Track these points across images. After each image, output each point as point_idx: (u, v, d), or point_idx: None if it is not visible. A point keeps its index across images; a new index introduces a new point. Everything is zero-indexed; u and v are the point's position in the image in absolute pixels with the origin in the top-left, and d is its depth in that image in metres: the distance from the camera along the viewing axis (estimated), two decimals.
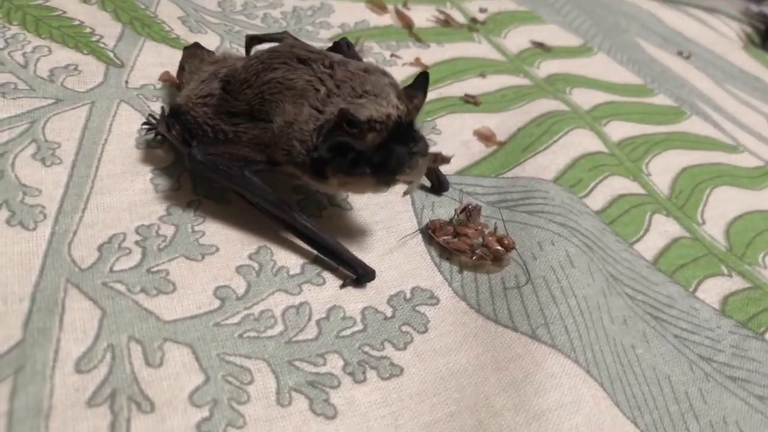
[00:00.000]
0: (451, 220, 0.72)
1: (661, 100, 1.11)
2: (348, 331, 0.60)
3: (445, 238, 0.70)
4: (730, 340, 0.71)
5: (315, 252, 0.65)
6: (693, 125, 1.07)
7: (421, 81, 0.61)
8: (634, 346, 0.67)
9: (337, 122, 0.57)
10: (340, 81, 0.60)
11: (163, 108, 0.72)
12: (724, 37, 1.45)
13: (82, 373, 0.51)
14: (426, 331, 0.62)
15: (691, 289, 0.76)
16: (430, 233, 0.71)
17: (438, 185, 0.77)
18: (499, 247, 0.70)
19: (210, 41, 0.87)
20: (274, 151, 0.61)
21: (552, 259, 0.70)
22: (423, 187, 0.77)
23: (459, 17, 1.16)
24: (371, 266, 0.64)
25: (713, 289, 0.77)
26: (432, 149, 0.60)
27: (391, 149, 0.57)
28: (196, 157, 0.62)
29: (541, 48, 1.14)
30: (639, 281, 0.74)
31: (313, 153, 0.59)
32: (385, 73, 0.62)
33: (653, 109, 1.08)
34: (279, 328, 0.58)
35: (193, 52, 0.76)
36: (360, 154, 0.58)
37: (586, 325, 0.64)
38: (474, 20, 1.16)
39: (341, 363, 0.57)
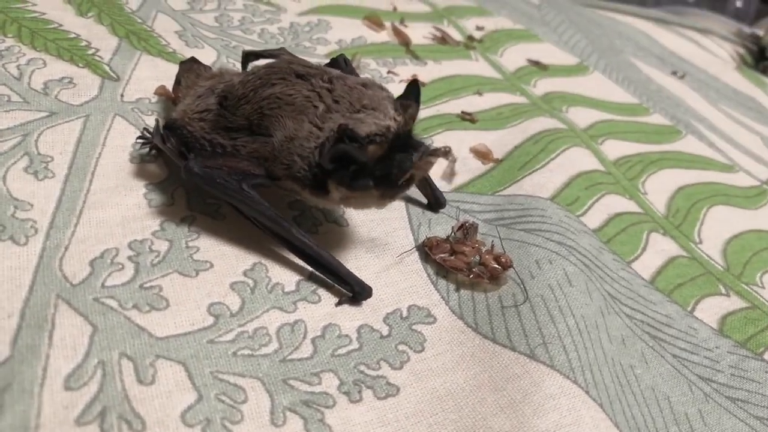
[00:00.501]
0: (447, 237, 0.72)
1: (656, 119, 1.11)
2: (343, 350, 0.59)
3: (442, 255, 0.70)
4: (729, 361, 0.70)
5: (311, 269, 0.64)
6: (688, 144, 1.07)
7: (413, 89, 0.61)
8: (632, 366, 0.66)
9: (337, 138, 0.57)
10: (339, 96, 0.60)
11: (157, 120, 0.71)
12: (717, 57, 1.46)
13: (71, 391, 0.49)
14: (423, 350, 0.61)
15: (689, 309, 0.75)
16: (426, 251, 0.70)
17: (435, 202, 0.76)
18: (497, 266, 0.69)
19: (207, 56, 0.87)
20: (274, 165, 0.60)
21: (550, 277, 0.69)
22: (419, 204, 0.76)
23: (456, 35, 1.16)
24: (368, 283, 0.63)
25: (711, 309, 0.76)
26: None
27: (392, 158, 0.57)
28: (193, 169, 0.61)
29: (538, 66, 1.14)
30: (637, 300, 0.74)
31: (314, 168, 0.58)
32: (382, 87, 0.62)
33: (649, 128, 1.08)
34: (273, 346, 0.57)
35: (190, 67, 0.76)
36: (362, 167, 0.57)
37: (585, 345, 0.63)
38: (471, 38, 1.17)
39: (336, 382, 0.56)
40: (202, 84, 0.69)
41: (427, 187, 0.75)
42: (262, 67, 0.66)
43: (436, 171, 0.66)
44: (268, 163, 0.61)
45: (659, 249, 0.83)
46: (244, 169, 0.61)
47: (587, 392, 0.59)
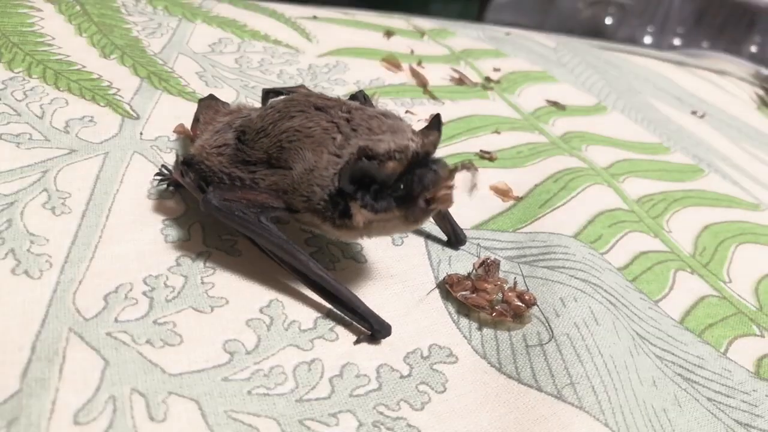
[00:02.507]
0: (468, 274, 0.70)
1: (678, 158, 1.10)
2: (362, 390, 0.57)
3: (464, 293, 0.68)
4: None
5: (328, 306, 0.62)
6: (711, 183, 1.05)
7: (435, 121, 0.60)
8: (665, 409, 0.63)
9: (356, 159, 0.56)
10: (357, 125, 0.59)
11: (177, 155, 0.71)
12: (736, 97, 1.45)
13: (80, 425, 0.48)
14: (444, 390, 0.59)
15: (722, 350, 0.72)
16: (447, 288, 0.68)
17: (455, 239, 0.75)
18: (520, 303, 0.67)
19: (226, 95, 0.87)
20: (293, 197, 0.59)
21: (575, 315, 0.67)
22: (439, 241, 0.75)
23: (473, 76, 1.17)
24: (387, 321, 0.61)
25: (745, 350, 0.73)
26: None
27: (413, 174, 0.56)
28: (211, 202, 0.60)
29: (556, 106, 1.14)
30: (666, 341, 0.71)
31: (335, 197, 0.57)
32: (401, 118, 0.61)
33: (671, 167, 1.06)
34: (290, 385, 0.55)
35: (208, 104, 0.76)
36: (383, 186, 0.56)
37: (615, 386, 0.61)
38: (488, 79, 1.17)
39: (355, 423, 0.54)
40: (220, 120, 0.70)
41: (447, 223, 0.74)
42: (280, 101, 0.66)
43: (455, 208, 0.65)
44: (288, 196, 0.60)
45: (687, 288, 0.80)
46: (263, 202, 0.60)
47: None
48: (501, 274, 0.70)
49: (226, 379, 0.54)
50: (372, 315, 0.61)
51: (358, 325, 0.61)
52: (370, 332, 0.61)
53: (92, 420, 0.48)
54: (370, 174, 0.55)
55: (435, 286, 0.69)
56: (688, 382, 0.67)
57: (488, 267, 0.70)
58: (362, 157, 0.56)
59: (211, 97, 0.79)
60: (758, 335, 0.75)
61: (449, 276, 0.69)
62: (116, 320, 0.56)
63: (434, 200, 0.57)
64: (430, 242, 0.75)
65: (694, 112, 1.29)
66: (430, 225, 0.75)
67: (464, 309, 0.67)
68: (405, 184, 0.56)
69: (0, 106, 0.76)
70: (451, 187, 0.57)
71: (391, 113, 0.61)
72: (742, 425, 0.64)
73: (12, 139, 0.72)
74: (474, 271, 0.70)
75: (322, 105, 0.62)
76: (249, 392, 0.53)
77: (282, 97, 0.71)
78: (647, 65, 1.47)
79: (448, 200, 0.58)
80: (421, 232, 0.75)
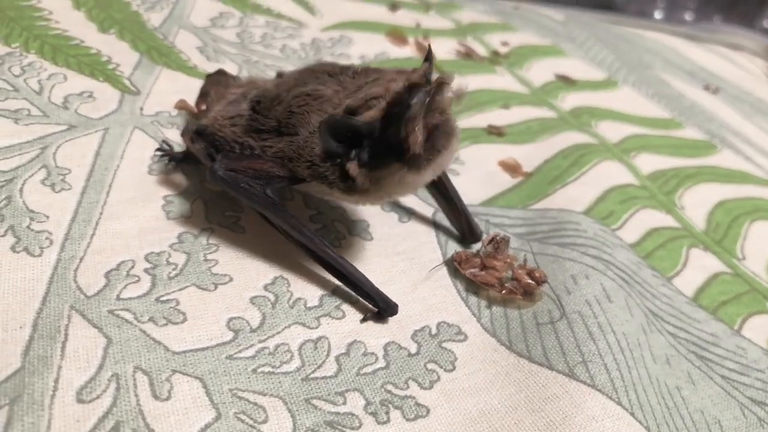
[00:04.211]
0: (477, 252, 0.68)
1: (690, 133, 1.07)
2: (370, 368, 0.55)
3: (472, 270, 0.66)
4: None
5: (334, 283, 0.61)
6: (725, 159, 1.03)
7: (427, 54, 0.55)
8: (679, 387, 0.61)
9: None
10: (357, 85, 0.57)
11: (187, 120, 0.70)
12: (749, 73, 1.42)
13: (83, 403, 0.47)
14: (453, 369, 0.57)
15: (735, 327, 0.71)
16: (456, 265, 0.67)
17: (469, 234, 0.70)
18: (530, 281, 0.65)
19: (228, 70, 0.85)
20: (298, 164, 0.57)
21: (587, 293, 0.65)
22: (453, 236, 0.72)
23: (480, 50, 1.14)
24: (394, 300, 0.60)
25: (760, 328, 0.71)
26: (455, 180, 0.54)
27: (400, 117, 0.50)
28: (217, 173, 0.59)
29: (566, 81, 1.11)
30: (680, 318, 0.69)
31: (327, 151, 0.54)
32: (403, 70, 0.57)
33: (683, 143, 1.04)
34: (296, 363, 0.54)
35: (218, 79, 0.75)
36: (374, 140, 0.52)
37: (627, 364, 0.59)
38: (496, 53, 1.14)
39: (363, 402, 0.53)
40: (233, 92, 0.68)
41: (462, 217, 0.70)
42: (296, 70, 0.64)
43: (462, 183, 0.63)
44: (293, 164, 0.57)
45: (700, 265, 0.78)
46: (269, 171, 0.58)
47: (632, 414, 0.55)
48: (511, 251, 0.69)
49: (231, 357, 0.53)
50: (378, 293, 0.59)
51: (365, 303, 0.60)
52: (376, 310, 0.60)
53: (95, 398, 0.47)
54: (346, 127, 0.52)
55: (442, 262, 0.67)
56: (701, 359, 0.65)
57: (497, 244, 0.68)
58: (346, 114, 0.53)
59: (221, 72, 0.77)
60: None
61: (457, 253, 0.67)
62: (118, 298, 0.55)
63: (436, 148, 0.52)
64: (438, 219, 0.73)
65: (706, 87, 1.26)
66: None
67: (473, 287, 0.65)
68: (396, 133, 0.50)
69: None
70: (443, 111, 0.52)
71: (398, 69, 0.58)
72: (757, 403, 0.63)
73: (10, 115, 0.70)
74: (483, 248, 0.68)
75: (334, 71, 0.60)
76: (254, 370, 0.52)
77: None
78: (659, 39, 1.44)
79: (448, 132, 0.53)
80: (429, 209, 0.74)
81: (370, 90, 0.53)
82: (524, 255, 0.69)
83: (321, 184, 0.57)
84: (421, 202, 0.74)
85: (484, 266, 0.66)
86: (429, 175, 0.55)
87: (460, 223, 0.70)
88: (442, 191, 0.69)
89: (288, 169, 0.58)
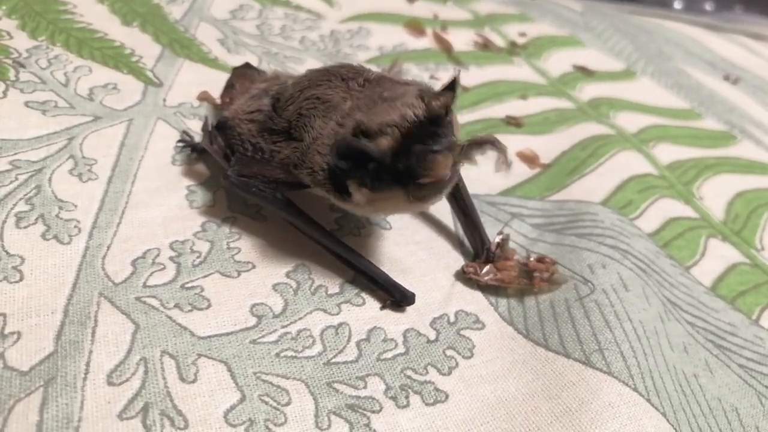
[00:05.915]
0: (487, 258, 0.67)
1: (709, 124, 1.07)
2: (389, 354, 0.57)
3: (489, 277, 0.65)
4: None
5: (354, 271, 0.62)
6: (744, 149, 1.03)
7: (452, 82, 0.54)
8: (696, 375, 0.62)
9: (352, 135, 0.52)
10: (367, 95, 0.57)
11: (206, 120, 0.71)
12: None
13: (113, 386, 0.48)
14: (472, 356, 0.58)
15: (754, 317, 0.71)
16: (472, 278, 0.65)
17: (482, 251, 0.67)
18: (541, 265, 0.66)
19: (248, 61, 0.86)
20: (301, 171, 0.58)
21: (604, 282, 0.66)
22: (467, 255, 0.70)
23: (498, 41, 1.14)
24: (411, 289, 0.61)
25: None
26: (473, 169, 0.54)
27: (409, 150, 0.50)
28: (230, 178, 0.61)
29: (584, 72, 1.11)
30: (698, 307, 0.70)
31: (334, 169, 0.54)
32: (414, 82, 0.58)
33: (702, 133, 1.03)
34: (317, 348, 0.55)
35: (244, 72, 0.76)
36: (381, 165, 0.51)
37: (644, 352, 0.60)
38: (514, 44, 1.14)
39: (383, 386, 0.54)
40: (257, 86, 0.69)
41: (477, 234, 0.67)
42: (315, 70, 0.65)
43: (482, 174, 0.63)
44: (297, 170, 0.58)
45: (718, 255, 0.78)
46: (277, 177, 0.60)
47: (648, 400, 0.55)
48: (526, 241, 0.69)
49: (255, 341, 0.54)
50: (394, 285, 0.60)
51: (383, 292, 0.61)
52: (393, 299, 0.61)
53: (125, 381, 0.49)
54: (358, 150, 0.51)
55: (460, 257, 0.68)
56: (719, 348, 0.66)
57: (502, 245, 0.68)
58: (358, 133, 0.52)
59: (247, 65, 0.79)
60: None
61: (466, 265, 0.66)
62: (145, 285, 0.56)
63: (442, 180, 0.51)
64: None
65: (727, 78, 1.25)
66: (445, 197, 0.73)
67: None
68: (406, 163, 0.50)
69: (25, 74, 0.76)
70: (454, 167, 0.52)
71: (409, 80, 0.59)
72: None
73: (38, 107, 0.72)
74: (492, 254, 0.68)
75: (347, 76, 0.60)
76: (277, 354, 0.54)
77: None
78: (678, 29, 1.43)
79: (447, 179, 0.52)
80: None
81: (386, 116, 0.52)
82: (525, 251, 0.70)
83: (321, 190, 0.58)
84: None
85: (498, 269, 0.66)
86: (427, 206, 0.57)
87: (475, 239, 0.68)
88: (460, 203, 0.68)
89: (294, 175, 0.59)
